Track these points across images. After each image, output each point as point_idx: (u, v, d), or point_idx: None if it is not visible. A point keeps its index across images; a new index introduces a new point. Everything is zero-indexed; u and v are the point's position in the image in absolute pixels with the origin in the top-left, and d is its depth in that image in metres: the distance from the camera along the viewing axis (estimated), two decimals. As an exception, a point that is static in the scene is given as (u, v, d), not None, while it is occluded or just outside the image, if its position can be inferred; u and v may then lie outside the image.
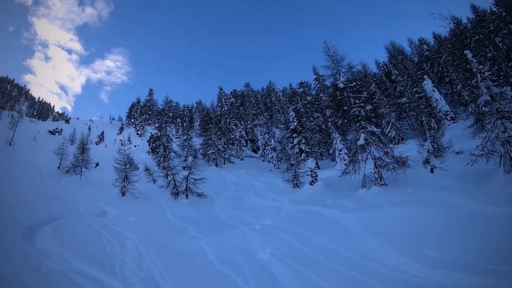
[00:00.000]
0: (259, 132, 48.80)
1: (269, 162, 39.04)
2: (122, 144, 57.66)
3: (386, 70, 46.92)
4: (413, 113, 34.02)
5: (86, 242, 9.65)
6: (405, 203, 11.38)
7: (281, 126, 48.01)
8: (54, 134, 65.23)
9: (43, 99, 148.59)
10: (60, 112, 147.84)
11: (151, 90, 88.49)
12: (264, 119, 57.93)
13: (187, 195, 21.30)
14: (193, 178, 21.90)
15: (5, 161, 26.73)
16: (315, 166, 21.58)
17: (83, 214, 14.73)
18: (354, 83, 18.12)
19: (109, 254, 8.68)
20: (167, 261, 8.45)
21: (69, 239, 9.65)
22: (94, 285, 6.56)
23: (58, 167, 30.80)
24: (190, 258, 8.88)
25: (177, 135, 61.08)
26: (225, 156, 40.15)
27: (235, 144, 44.09)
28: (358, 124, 16.98)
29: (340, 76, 17.90)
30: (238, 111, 61.80)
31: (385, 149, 16.41)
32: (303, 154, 31.60)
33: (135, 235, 11.12)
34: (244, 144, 45.96)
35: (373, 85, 38.07)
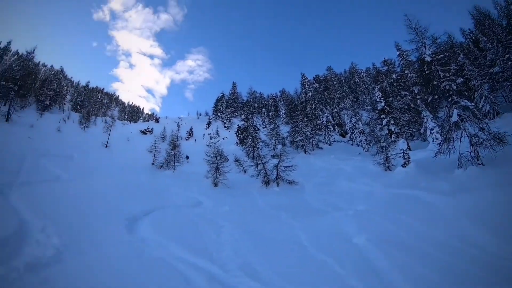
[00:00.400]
0: (345, 115, 47.58)
1: (358, 145, 37.97)
2: (211, 138, 59.30)
3: (473, 38, 42.16)
4: (508, 83, 30.78)
5: (184, 231, 10.09)
6: (506, 184, 10.46)
7: (368, 107, 46.30)
8: (146, 133, 68.70)
9: (132, 103, 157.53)
10: (150, 113, 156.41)
11: (234, 83, 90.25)
12: (350, 102, 56.55)
13: (278, 183, 21.33)
14: (283, 166, 21.83)
15: (103, 161, 28.69)
16: (407, 148, 20.53)
17: (179, 205, 15.41)
18: (441, 55, 16.55)
19: (206, 241, 9.04)
20: (263, 248, 8.56)
21: (168, 229, 10.16)
22: (194, 271, 6.84)
23: (152, 163, 32.52)
24: (285, 244, 8.89)
25: (263, 125, 61.54)
26: (313, 142, 39.43)
27: (322, 130, 43.24)
28: (449, 100, 15.60)
29: (425, 49, 16.67)
30: (322, 96, 60.85)
31: (480, 125, 14.52)
32: (392, 136, 30.28)
33: (230, 223, 11.40)
34: (332, 129, 44.92)
35: (461, 55, 34.99)
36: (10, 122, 35.88)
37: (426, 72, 16.58)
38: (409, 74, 38.06)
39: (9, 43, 79.88)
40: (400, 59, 38.83)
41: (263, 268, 7.13)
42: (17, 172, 15.79)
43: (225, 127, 75.30)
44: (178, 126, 79.37)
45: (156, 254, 7.65)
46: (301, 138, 37.80)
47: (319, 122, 43.93)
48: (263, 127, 54.95)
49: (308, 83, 62.33)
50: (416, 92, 34.33)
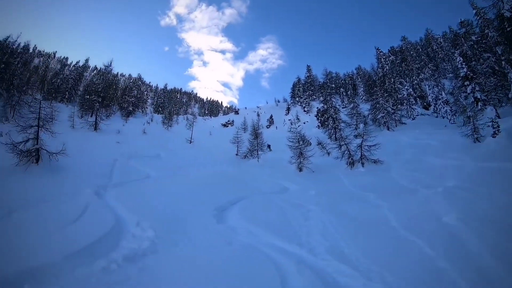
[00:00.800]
0: (427, 86, 45.16)
1: (443, 117, 35.93)
2: (291, 123, 59.41)
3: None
4: None
5: (272, 217, 10.24)
6: None
7: (450, 75, 43.61)
8: (227, 126, 70.54)
9: (210, 98, 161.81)
10: (228, 106, 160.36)
11: (308, 66, 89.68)
12: (430, 72, 53.61)
13: (362, 163, 20.97)
14: (367, 145, 21.24)
15: (188, 156, 29.77)
16: (495, 115, 19.23)
17: (266, 192, 15.68)
18: (522, 8, 15.29)
19: (294, 226, 9.16)
20: (351, 230, 8.55)
21: (256, 216, 10.42)
22: (283, 255, 7.00)
23: (236, 154, 33.40)
24: (372, 225, 8.78)
25: (343, 105, 60.53)
26: (396, 118, 37.66)
27: (404, 104, 41.38)
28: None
29: (503, 3, 15.46)
30: (400, 68, 58.55)
31: None
32: (479, 103, 28.41)
33: (317, 206, 11.45)
34: (413, 102, 43.00)
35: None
36: (98, 131, 38.71)
37: (508, 29, 15.41)
38: (489, 34, 35.40)
39: (87, 60, 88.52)
40: (478, 18, 36.13)
41: (351, 251, 7.12)
42: (109, 175, 16.88)
43: (304, 111, 75.19)
44: (258, 115, 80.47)
45: (246, 241, 7.92)
46: (383, 115, 36.68)
47: (400, 96, 42.38)
48: (342, 107, 54.01)
49: (384, 57, 60.35)
50: (500, 52, 31.90)
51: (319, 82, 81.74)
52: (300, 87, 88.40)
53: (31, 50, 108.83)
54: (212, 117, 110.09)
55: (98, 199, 11.72)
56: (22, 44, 61.55)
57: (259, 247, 7.49)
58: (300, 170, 22.83)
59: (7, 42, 50.02)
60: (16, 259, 6.23)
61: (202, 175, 19.57)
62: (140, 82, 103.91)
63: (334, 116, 38.43)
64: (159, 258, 6.82)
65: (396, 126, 36.41)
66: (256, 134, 32.45)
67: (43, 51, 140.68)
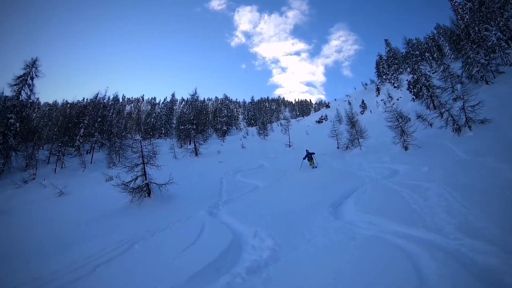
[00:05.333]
0: (516, 22, 41.47)
1: None
2: (384, 103, 57.81)
3: None
4: None
5: (389, 203, 9.76)
6: None
7: None
8: (321, 122, 70.63)
9: (298, 99, 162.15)
10: (317, 102, 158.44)
11: (386, 40, 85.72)
12: (514, 5, 49.57)
13: (469, 127, 19.60)
14: (470, 106, 19.60)
15: (290, 159, 29.71)
16: None
17: (376, 178, 15.14)
18: None
19: (415, 209, 8.59)
20: (476, 201, 7.79)
21: (372, 205, 10.00)
22: (411, 241, 6.50)
23: (337, 147, 32.93)
24: (497, 192, 8.01)
25: (433, 70, 57.24)
26: (492, 69, 33.95)
27: (497, 51, 38.27)
28: None
29: None
30: (480, 13, 54.16)
31: None
32: None
33: (434, 183, 10.70)
34: (505, 46, 39.77)
35: None
36: (199, 156, 40.47)
37: None
38: None
39: (173, 95, 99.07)
40: None
41: (483, 224, 6.49)
42: (219, 193, 17.22)
43: (394, 87, 72.73)
44: (349, 103, 79.67)
45: (369, 233, 7.53)
46: (477, 69, 34.42)
47: (490, 44, 39.37)
48: (433, 73, 51.07)
49: (460, 6, 56.50)
50: None
51: (402, 53, 77.55)
52: (383, 64, 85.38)
53: (120, 100, 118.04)
54: (304, 117, 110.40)
55: (213, 218, 12.09)
56: (111, 96, 67.36)
57: (384, 237, 7.06)
58: (406, 148, 21.82)
59: (97, 98, 54.89)
60: (144, 285, 6.71)
61: (308, 175, 19.51)
62: (227, 101, 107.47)
63: (426, 84, 36.11)
64: (282, 265, 6.74)
65: (494, 77, 33.90)
66: (352, 122, 31.77)
67: (132, 98, 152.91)
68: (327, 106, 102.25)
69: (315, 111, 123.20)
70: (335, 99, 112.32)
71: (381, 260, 5.93)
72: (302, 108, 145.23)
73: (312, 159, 24.01)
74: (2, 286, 7.97)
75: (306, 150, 25.29)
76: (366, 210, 9.51)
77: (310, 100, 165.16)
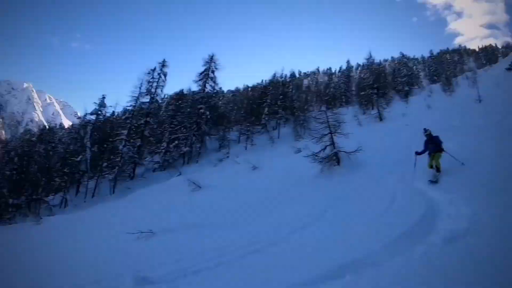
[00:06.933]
0: None
1: None
2: None
3: None
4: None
5: None
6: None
7: None
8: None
9: (482, 45, 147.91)
10: (504, 45, 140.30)
11: None
12: None
13: None
14: None
15: (481, 115, 26.74)
16: None
17: None
18: None
19: None
20: None
21: None
22: None
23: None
24: None
25: None
26: None
27: None
28: None
29: None
30: None
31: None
32: None
33: None
34: None
35: None
36: (383, 121, 40.95)
37: None
38: None
39: (348, 62, 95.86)
40: None
41: None
42: (410, 159, 16.12)
43: None
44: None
45: None
46: None
47: None
48: None
49: None
50: None
51: None
52: None
53: (297, 75, 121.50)
54: (492, 65, 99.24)
55: (404, 184, 11.71)
56: (288, 74, 70.00)
57: None
58: None
59: (276, 78, 60.01)
60: (337, 253, 6.83)
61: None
62: (405, 59, 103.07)
63: None
64: (478, 238, 5.93)
65: None
66: None
67: (308, 72, 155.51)
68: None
69: (503, 57, 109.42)
70: None
71: None
72: (488, 55, 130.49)
73: (435, 156, 11.91)
74: (208, 248, 9.16)
75: (427, 135, 12.55)
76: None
77: (496, 45, 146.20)
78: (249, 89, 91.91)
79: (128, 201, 22.69)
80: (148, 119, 40.74)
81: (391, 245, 6.66)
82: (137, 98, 41.48)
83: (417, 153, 12.67)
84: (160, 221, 13.60)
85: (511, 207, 6.87)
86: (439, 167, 11.54)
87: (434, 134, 12.42)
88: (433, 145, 12.05)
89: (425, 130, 12.75)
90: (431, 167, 11.67)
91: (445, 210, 7.85)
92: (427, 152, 12.30)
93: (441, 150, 11.92)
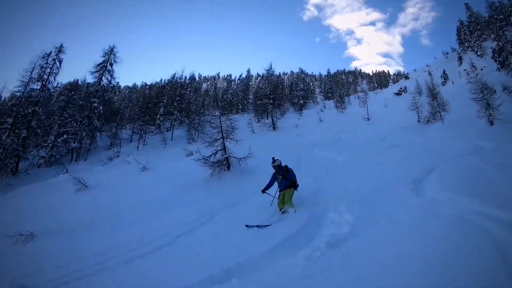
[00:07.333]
0: None
1: None
2: (467, 74, 55.01)
3: None
4: None
5: (474, 181, 9.06)
6: None
7: None
8: (400, 94, 68.86)
9: (376, 70, 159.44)
10: (396, 73, 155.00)
11: (467, 4, 79.37)
12: None
13: None
14: None
15: (369, 133, 29.00)
16: None
17: (460, 154, 14.31)
18: None
19: (502, 188, 8.04)
20: None
21: (455, 183, 9.28)
22: (496, 224, 6.01)
23: (418, 121, 32.00)
24: None
25: (518, 34, 53.63)
26: None
27: None
28: None
29: None
30: None
31: None
32: None
33: None
34: None
35: None
36: (277, 130, 41.75)
37: None
38: None
39: (248, 71, 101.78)
40: None
41: None
42: (298, 166, 17.02)
43: (478, 55, 68.31)
44: (429, 73, 77.29)
45: (451, 212, 7.11)
46: None
47: None
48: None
49: None
50: None
51: (484, 18, 72.45)
52: (464, 30, 79.34)
53: (197, 78, 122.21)
54: (382, 89, 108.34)
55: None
56: (188, 76, 69.57)
57: (467, 217, 6.60)
58: (491, 123, 20.57)
59: (175, 78, 58.83)
60: (223, 257, 6.89)
61: (388, 150, 19.01)
62: (303, 75, 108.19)
63: (512, 50, 34.02)
64: (361, 240, 6.66)
65: None
66: (433, 94, 31.12)
67: (208, 76, 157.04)
68: (406, 77, 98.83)
69: (393, 83, 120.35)
70: (414, 70, 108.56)
71: (465, 242, 5.55)
72: (380, 79, 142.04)
73: (287, 193, 10.10)
74: (91, 253, 8.57)
75: (275, 166, 11.04)
76: (449, 188, 8.96)
77: (388, 71, 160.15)
78: (147, 87, 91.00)
79: (8, 199, 20.89)
80: (36, 108, 36.31)
81: (276, 249, 6.92)
82: (27, 84, 36.67)
83: (264, 190, 10.88)
84: (43, 222, 12.37)
85: (383, 214, 7.77)
86: (292, 206, 9.74)
87: (287, 166, 10.92)
88: (283, 180, 10.37)
89: (274, 160, 11.06)
90: (282, 207, 9.82)
91: (329, 216, 8.40)
92: (278, 189, 10.60)
93: (294, 185, 10.38)
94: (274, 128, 41.71)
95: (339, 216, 8.28)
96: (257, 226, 8.79)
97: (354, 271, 5.33)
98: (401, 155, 16.42)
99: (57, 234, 11.18)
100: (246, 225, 8.95)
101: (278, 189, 10.51)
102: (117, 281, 6.84)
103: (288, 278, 5.53)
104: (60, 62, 40.11)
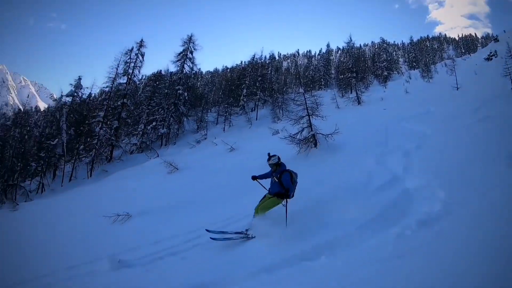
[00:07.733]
0: None
1: None
2: None
3: None
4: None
5: None
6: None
7: None
8: (490, 59, 63.34)
9: (462, 34, 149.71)
10: (483, 36, 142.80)
11: None
12: None
13: None
14: None
15: (459, 104, 27.37)
16: None
17: None
18: None
19: None
20: None
21: None
22: None
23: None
24: None
25: None
26: None
27: None
28: None
29: None
30: None
31: None
32: None
33: None
34: None
35: None
36: (362, 104, 40.02)
37: None
38: None
39: (328, 45, 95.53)
40: None
41: None
42: (385, 141, 16.24)
43: None
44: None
45: None
46: None
47: None
48: None
49: None
50: None
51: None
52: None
53: (277, 57, 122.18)
54: (470, 54, 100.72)
55: (380, 166, 11.88)
56: (268, 55, 69.66)
57: None
58: None
59: (255, 59, 58.14)
60: (317, 232, 7.02)
61: (481, 122, 17.97)
62: (385, 45, 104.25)
63: None
64: (454, 219, 6.12)
65: None
66: None
67: (288, 54, 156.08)
68: (496, 39, 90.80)
69: (482, 47, 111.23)
70: (504, 31, 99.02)
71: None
72: (467, 44, 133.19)
73: (271, 200, 8.50)
74: (183, 231, 9.31)
75: (272, 164, 8.76)
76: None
77: (476, 35, 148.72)
78: (228, 70, 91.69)
79: (105, 184, 22.57)
80: (125, 100, 39.71)
81: (365, 226, 6.82)
82: (114, 79, 40.27)
83: (255, 177, 9.20)
84: (137, 203, 13.58)
85: (487, 191, 6.92)
86: (260, 215, 8.21)
87: (286, 167, 8.85)
88: (277, 184, 8.43)
89: (269, 157, 8.84)
90: (257, 213, 8.31)
91: (422, 194, 7.92)
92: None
93: (284, 196, 8.27)
94: (359, 103, 40.47)
95: (431, 193, 7.74)
96: None
97: (446, 249, 4.89)
98: (495, 128, 15.39)
99: (152, 214, 12.23)
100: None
101: (268, 190, 8.79)
102: (210, 256, 7.37)
103: (377, 256, 5.41)
104: (143, 55, 42.86)
